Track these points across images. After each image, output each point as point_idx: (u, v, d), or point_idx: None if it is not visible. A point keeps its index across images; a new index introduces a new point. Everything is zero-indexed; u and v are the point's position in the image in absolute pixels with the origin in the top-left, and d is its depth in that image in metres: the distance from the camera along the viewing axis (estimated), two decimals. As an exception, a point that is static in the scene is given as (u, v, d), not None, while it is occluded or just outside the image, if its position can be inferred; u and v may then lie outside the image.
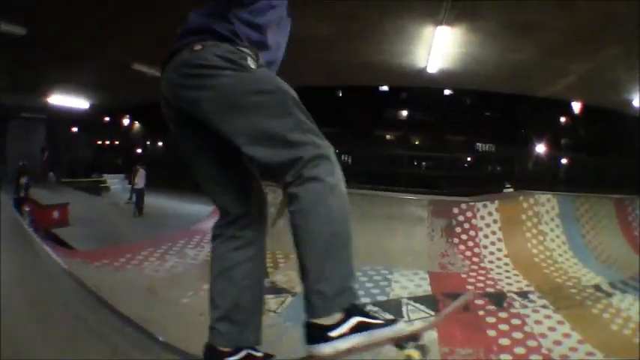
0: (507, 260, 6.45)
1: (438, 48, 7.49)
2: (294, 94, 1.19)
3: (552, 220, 7.11)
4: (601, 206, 7.38)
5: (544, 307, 4.68)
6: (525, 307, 4.69)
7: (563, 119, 18.25)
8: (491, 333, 3.97)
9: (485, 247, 6.80)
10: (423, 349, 1.12)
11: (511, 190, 9.20)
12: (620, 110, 10.11)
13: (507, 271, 6.09)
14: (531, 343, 3.76)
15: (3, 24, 7.02)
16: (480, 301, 4.86)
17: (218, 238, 1.37)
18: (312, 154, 1.08)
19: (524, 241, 6.88)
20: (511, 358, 3.52)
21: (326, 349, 1.02)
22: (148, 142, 26.37)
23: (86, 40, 8.41)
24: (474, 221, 7.20)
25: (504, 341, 3.78)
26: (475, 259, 6.53)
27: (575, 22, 5.88)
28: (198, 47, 1.18)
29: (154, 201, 12.09)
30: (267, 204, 1.51)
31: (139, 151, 24.46)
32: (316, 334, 1.05)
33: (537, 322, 4.25)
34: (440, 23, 6.39)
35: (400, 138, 26.53)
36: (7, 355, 2.06)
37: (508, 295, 5.09)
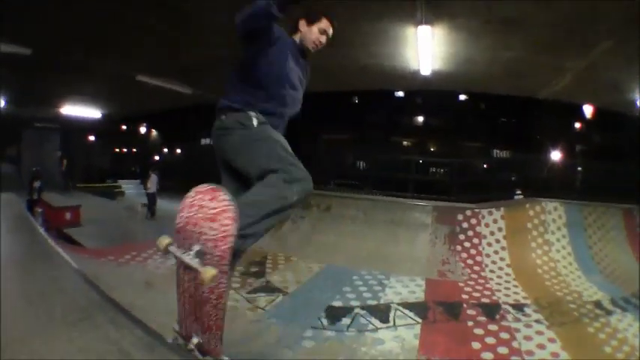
0: (509, 270, 6.33)
1: (425, 48, 7.41)
2: (282, 140, 2.00)
3: (559, 229, 6.90)
4: (610, 216, 7.11)
5: (538, 321, 4.56)
6: (518, 320, 4.59)
7: (577, 125, 17.68)
8: (476, 345, 3.91)
9: (488, 255, 6.69)
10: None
11: (522, 196, 8.95)
12: (624, 112, 9.69)
13: (507, 282, 5.97)
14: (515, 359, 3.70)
15: (7, 45, 7.45)
16: (471, 311, 4.81)
17: None
18: (285, 177, 1.85)
19: (529, 250, 6.72)
20: (489, 373, 3.47)
21: None
22: (164, 149, 27.16)
23: (91, 53, 8.83)
24: (478, 229, 7.08)
25: (487, 355, 3.72)
26: (476, 268, 6.43)
27: (558, 15, 5.67)
28: (223, 117, 2.09)
29: (167, 205, 12.51)
30: None
31: (154, 157, 25.24)
32: None
33: (527, 337, 4.15)
34: (420, 23, 6.31)
35: (401, 142, 26.47)
36: (5, 355, 2.10)
37: (503, 306, 4.99)
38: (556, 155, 13.57)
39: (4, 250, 3.68)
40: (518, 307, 5.00)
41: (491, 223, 7.09)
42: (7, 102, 11.97)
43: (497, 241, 6.87)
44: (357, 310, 4.64)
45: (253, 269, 6.17)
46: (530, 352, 3.84)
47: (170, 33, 7.61)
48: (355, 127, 25.78)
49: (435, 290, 5.51)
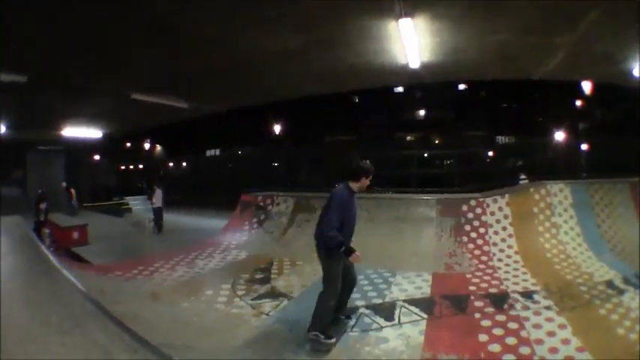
0: (517, 257, 6.21)
1: (409, 41, 7.31)
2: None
3: (566, 210, 6.76)
4: (617, 192, 6.93)
5: (547, 308, 4.45)
6: (527, 308, 4.47)
7: (578, 102, 17.27)
8: (483, 338, 3.81)
9: (495, 244, 6.58)
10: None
11: (526, 181, 8.78)
12: (622, 84, 9.42)
13: (516, 269, 5.85)
14: (524, 350, 3.56)
15: (4, 74, 7.62)
16: (479, 303, 4.71)
17: None
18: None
19: (537, 235, 6.60)
20: (497, 367, 3.37)
21: None
22: (169, 164, 27.49)
23: (87, 75, 8.95)
24: (483, 218, 6.98)
25: (494, 347, 3.61)
26: (484, 258, 6.32)
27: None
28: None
29: (174, 218, 12.65)
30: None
31: (159, 172, 25.56)
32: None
33: (536, 325, 4.03)
34: (400, 16, 6.22)
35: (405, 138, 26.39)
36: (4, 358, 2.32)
37: (511, 295, 4.88)
38: (560, 135, 13.28)
39: (9, 266, 3.85)
40: (527, 294, 4.89)
41: (496, 210, 6.98)
42: (9, 127, 12.22)
43: (504, 228, 6.75)
44: (361, 310, 4.58)
45: (258, 276, 6.17)
46: (539, 341, 3.72)
47: (161, 48, 7.68)
48: (355, 127, 25.74)
49: (442, 284, 5.43)
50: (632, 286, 4.83)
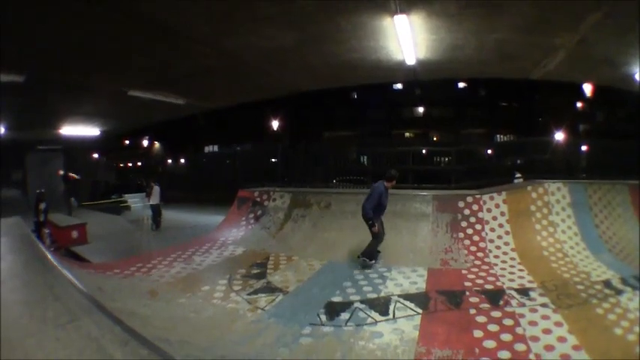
0: (514, 254, 6.20)
1: (405, 38, 7.27)
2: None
3: (563, 209, 6.74)
4: (615, 193, 6.91)
5: (543, 305, 4.43)
6: (523, 305, 4.46)
7: (579, 104, 17.28)
8: (478, 334, 3.80)
9: (492, 241, 6.57)
10: None
11: (521, 179, 8.76)
12: (624, 88, 9.40)
13: (512, 266, 5.84)
14: (519, 347, 3.54)
15: (3, 75, 7.56)
16: (474, 299, 4.70)
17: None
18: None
19: (534, 233, 6.58)
20: (491, 363, 3.35)
21: None
22: (168, 160, 27.42)
23: (83, 73, 8.90)
24: (480, 214, 6.97)
25: (489, 343, 3.60)
26: (480, 254, 6.31)
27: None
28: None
29: (172, 215, 12.60)
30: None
31: (157, 169, 25.48)
32: None
33: (532, 322, 4.02)
34: (395, 13, 6.18)
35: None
36: (3, 353, 2.37)
37: (507, 292, 4.87)
38: (559, 136, 13.28)
39: (9, 266, 3.98)
40: (523, 291, 4.87)
41: (493, 208, 6.96)
42: (7, 128, 12.14)
43: (501, 225, 6.74)
44: (356, 305, 4.56)
45: (255, 271, 6.14)
46: (535, 338, 3.71)
47: (158, 46, 7.65)
48: (354, 123, 25.70)
49: (438, 280, 5.41)
50: (630, 287, 4.80)
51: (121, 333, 2.49)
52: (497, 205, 6.94)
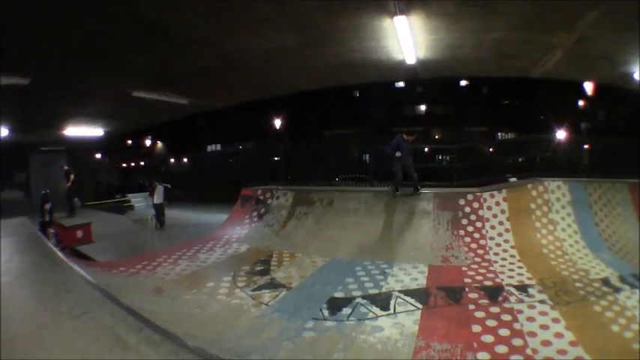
0: (513, 252, 6.27)
1: (405, 38, 7.38)
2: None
3: (563, 207, 6.80)
4: (616, 192, 6.95)
5: (542, 302, 4.51)
6: (521, 301, 4.54)
7: (580, 102, 17.28)
8: (476, 329, 3.89)
9: (492, 238, 6.64)
10: None
11: (514, 180, 8.82)
12: (623, 85, 9.43)
13: (512, 263, 5.91)
14: (517, 342, 3.62)
15: (5, 77, 7.67)
16: (473, 295, 4.79)
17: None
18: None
19: (534, 231, 6.64)
20: (489, 357, 3.42)
21: None
22: (171, 160, 27.56)
23: (83, 74, 9.01)
24: (480, 212, 7.04)
25: (487, 338, 3.69)
26: (480, 251, 6.39)
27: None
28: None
29: (176, 214, 12.74)
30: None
31: (160, 168, 25.63)
32: None
33: (530, 318, 4.09)
34: (395, 14, 6.26)
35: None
36: (19, 345, 2.52)
37: (506, 288, 4.95)
38: (560, 134, 13.29)
39: (21, 264, 4.16)
40: (522, 288, 4.95)
41: (493, 205, 7.03)
42: (11, 130, 12.28)
43: (501, 223, 6.81)
44: (358, 300, 4.67)
45: (259, 268, 6.26)
46: (532, 334, 3.79)
47: (158, 47, 7.74)
48: (356, 121, 25.76)
49: (438, 276, 5.50)
50: (629, 285, 4.85)
51: (134, 322, 2.61)
52: (497, 203, 7.01)
